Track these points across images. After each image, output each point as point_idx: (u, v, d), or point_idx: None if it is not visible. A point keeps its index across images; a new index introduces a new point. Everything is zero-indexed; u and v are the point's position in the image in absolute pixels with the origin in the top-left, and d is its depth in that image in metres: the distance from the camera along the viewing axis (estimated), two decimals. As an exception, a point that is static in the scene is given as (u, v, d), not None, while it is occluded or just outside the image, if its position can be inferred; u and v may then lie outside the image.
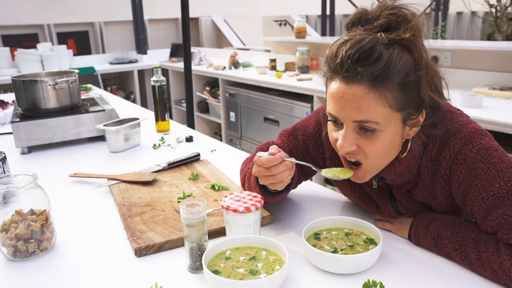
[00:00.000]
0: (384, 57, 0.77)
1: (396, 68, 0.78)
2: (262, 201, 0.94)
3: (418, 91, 0.81)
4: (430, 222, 0.92)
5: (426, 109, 0.85)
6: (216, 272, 0.81)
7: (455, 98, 2.45)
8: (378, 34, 0.80)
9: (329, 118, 0.88)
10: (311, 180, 1.29)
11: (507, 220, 0.78)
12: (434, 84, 0.84)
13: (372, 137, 0.83)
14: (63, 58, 4.97)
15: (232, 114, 4.06)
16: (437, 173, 0.89)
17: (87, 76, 5.05)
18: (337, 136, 0.87)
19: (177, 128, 2.07)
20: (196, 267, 0.88)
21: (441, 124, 0.88)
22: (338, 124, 0.87)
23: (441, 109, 0.88)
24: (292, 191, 1.18)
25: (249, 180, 1.07)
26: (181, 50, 3.37)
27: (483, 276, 0.83)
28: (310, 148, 1.10)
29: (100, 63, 5.58)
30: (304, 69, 3.76)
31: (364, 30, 0.83)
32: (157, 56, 5.78)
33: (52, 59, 4.83)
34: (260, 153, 0.90)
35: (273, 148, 0.91)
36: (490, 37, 8.21)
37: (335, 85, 0.83)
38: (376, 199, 1.03)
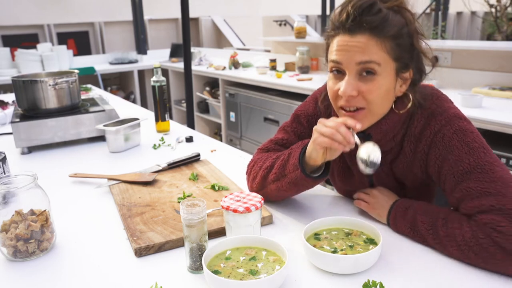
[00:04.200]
0: (383, 12, 0.90)
1: (392, 22, 0.90)
2: (262, 201, 0.94)
3: (410, 44, 0.93)
4: (408, 208, 0.99)
5: (413, 69, 0.96)
6: (216, 272, 0.81)
7: (455, 98, 2.45)
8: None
9: (332, 68, 0.96)
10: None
11: (468, 192, 0.87)
12: (422, 46, 0.96)
13: (371, 82, 0.92)
14: (63, 58, 4.97)
15: (232, 114, 4.06)
16: (418, 148, 0.99)
17: (87, 76, 5.05)
18: (337, 87, 0.95)
19: (177, 128, 2.07)
20: (196, 267, 0.88)
21: (427, 102, 0.99)
22: (340, 74, 0.95)
23: (424, 73, 0.99)
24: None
25: (281, 167, 1.05)
26: (181, 50, 3.37)
27: (451, 256, 0.88)
28: None
29: (100, 63, 5.58)
30: (304, 69, 3.76)
31: None
32: (157, 56, 5.78)
33: (52, 59, 4.83)
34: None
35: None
36: (490, 37, 8.20)
37: (339, 38, 0.93)
38: (353, 169, 1.11)
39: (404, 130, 1.01)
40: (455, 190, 0.90)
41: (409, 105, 0.97)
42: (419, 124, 0.98)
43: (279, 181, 1.06)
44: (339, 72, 0.95)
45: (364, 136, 1.00)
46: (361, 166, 0.93)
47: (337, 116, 1.01)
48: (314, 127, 0.97)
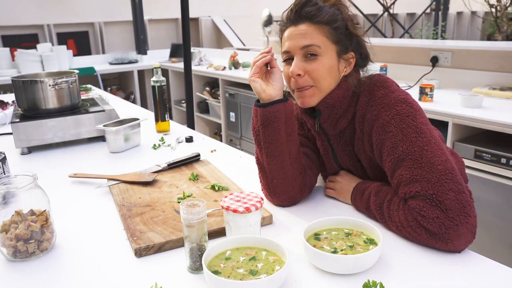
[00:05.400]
0: (318, 4, 1.07)
1: (326, 11, 1.06)
2: (262, 201, 0.94)
3: (345, 28, 1.07)
4: (365, 189, 1.10)
5: (355, 53, 1.09)
6: (216, 272, 0.81)
7: (455, 98, 2.45)
8: None
9: (283, 59, 1.11)
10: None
11: (402, 178, 0.97)
12: (358, 35, 1.09)
13: (314, 62, 1.06)
14: (63, 59, 4.97)
15: (232, 114, 4.06)
16: (364, 129, 1.08)
17: (87, 76, 5.05)
18: (289, 70, 1.08)
19: (177, 129, 2.07)
20: (196, 268, 0.88)
21: (371, 86, 1.09)
22: (291, 60, 1.09)
23: (369, 59, 1.12)
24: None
25: (255, 131, 1.13)
26: (181, 50, 3.37)
27: (394, 232, 1.00)
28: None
29: (100, 63, 5.58)
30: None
31: None
32: (157, 56, 5.78)
33: (52, 60, 4.83)
34: None
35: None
36: (490, 37, 8.21)
37: (287, 31, 1.10)
38: (323, 155, 1.24)
39: (353, 109, 1.11)
40: (393, 177, 1.01)
41: (345, 73, 1.09)
42: (363, 106, 1.08)
43: (259, 143, 1.12)
44: (290, 59, 1.10)
45: (315, 112, 1.13)
46: (265, 28, 1.08)
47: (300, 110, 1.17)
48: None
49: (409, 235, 0.95)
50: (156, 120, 1.99)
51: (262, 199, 0.95)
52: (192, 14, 3.32)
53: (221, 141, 4.06)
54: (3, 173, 1.29)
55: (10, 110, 2.29)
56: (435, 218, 0.90)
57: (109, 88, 5.60)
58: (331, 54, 1.07)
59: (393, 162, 1.00)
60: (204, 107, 4.71)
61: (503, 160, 1.99)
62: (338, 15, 1.07)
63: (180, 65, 4.79)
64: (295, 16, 1.08)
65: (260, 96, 1.09)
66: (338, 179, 1.20)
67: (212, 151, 1.69)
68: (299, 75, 1.07)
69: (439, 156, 0.96)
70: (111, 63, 5.57)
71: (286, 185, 1.13)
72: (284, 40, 1.11)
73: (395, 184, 1.00)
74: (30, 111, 1.77)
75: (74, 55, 5.55)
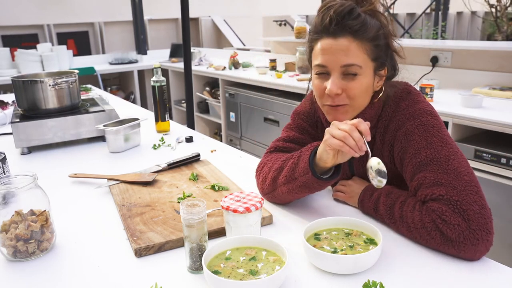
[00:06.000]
0: (361, 16, 0.99)
1: (370, 25, 1.00)
2: (262, 201, 0.94)
3: (386, 45, 1.03)
4: (375, 190, 1.08)
5: (388, 67, 1.06)
6: (216, 272, 0.81)
7: (455, 98, 2.45)
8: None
9: (317, 72, 1.04)
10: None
11: (424, 180, 0.95)
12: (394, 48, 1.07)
13: (353, 81, 1.00)
14: (63, 59, 4.97)
15: (232, 114, 4.06)
16: (385, 139, 1.08)
17: (87, 76, 5.05)
18: (324, 85, 1.03)
19: (177, 129, 2.07)
20: (196, 268, 0.88)
21: (397, 97, 1.07)
22: (325, 75, 1.03)
23: (397, 70, 1.10)
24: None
25: (291, 170, 1.06)
26: (181, 50, 3.37)
27: (402, 234, 0.99)
28: (309, 127, 1.23)
29: (100, 63, 5.58)
30: (304, 69, 3.76)
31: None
32: (157, 56, 5.78)
33: (52, 60, 4.83)
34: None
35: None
36: (490, 37, 8.21)
37: (323, 42, 1.01)
38: None
39: (375, 122, 1.09)
40: (413, 179, 0.99)
41: (380, 94, 1.07)
42: (387, 117, 1.07)
43: (290, 183, 1.07)
44: (323, 74, 1.03)
45: None
46: (377, 177, 0.94)
47: (322, 113, 1.11)
48: (327, 129, 0.98)
49: (421, 238, 0.93)
50: (156, 120, 1.99)
51: (262, 199, 0.95)
52: (192, 14, 3.33)
53: (221, 141, 4.06)
54: (3, 173, 1.29)
55: (10, 110, 2.29)
56: (456, 225, 0.87)
57: (109, 88, 5.60)
58: (369, 72, 1.02)
59: (415, 166, 0.98)
60: (204, 107, 4.71)
61: (503, 160, 1.99)
62: (380, 30, 1.01)
63: (180, 65, 4.79)
64: (336, 28, 0.98)
65: (318, 159, 1.00)
66: (349, 183, 1.17)
67: (212, 151, 1.69)
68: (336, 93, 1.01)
69: (465, 168, 0.95)
70: (111, 63, 5.57)
71: (284, 202, 1.18)
72: (318, 52, 1.03)
73: (415, 186, 0.98)
74: (30, 111, 1.77)
75: (74, 55, 5.55)
